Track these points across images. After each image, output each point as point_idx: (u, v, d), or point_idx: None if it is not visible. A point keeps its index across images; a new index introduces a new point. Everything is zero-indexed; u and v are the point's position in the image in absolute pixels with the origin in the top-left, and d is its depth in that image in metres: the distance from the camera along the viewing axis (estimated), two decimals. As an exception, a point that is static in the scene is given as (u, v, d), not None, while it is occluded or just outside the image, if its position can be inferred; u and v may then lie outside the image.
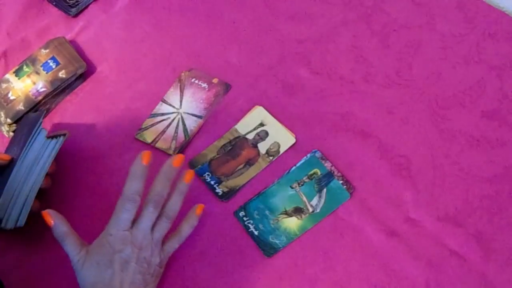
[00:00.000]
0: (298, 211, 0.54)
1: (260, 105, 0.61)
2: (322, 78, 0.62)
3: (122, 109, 0.64)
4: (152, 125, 0.62)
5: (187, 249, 0.54)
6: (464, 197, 0.53)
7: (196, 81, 0.64)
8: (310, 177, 0.56)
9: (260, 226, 0.54)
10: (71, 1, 0.72)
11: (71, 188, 0.59)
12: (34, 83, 0.65)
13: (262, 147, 0.58)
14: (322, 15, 0.66)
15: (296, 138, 0.58)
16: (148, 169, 0.49)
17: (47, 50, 0.67)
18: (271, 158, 0.57)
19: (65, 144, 0.58)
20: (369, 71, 0.61)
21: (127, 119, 0.63)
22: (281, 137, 0.58)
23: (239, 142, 0.59)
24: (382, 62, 0.62)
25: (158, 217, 0.50)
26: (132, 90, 0.65)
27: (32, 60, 0.66)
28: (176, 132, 0.61)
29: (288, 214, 0.54)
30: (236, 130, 0.60)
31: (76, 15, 0.72)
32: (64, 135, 0.57)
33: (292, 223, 0.54)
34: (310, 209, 0.54)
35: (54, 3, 0.72)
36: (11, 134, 0.63)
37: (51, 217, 0.49)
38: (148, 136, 0.61)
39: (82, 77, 0.67)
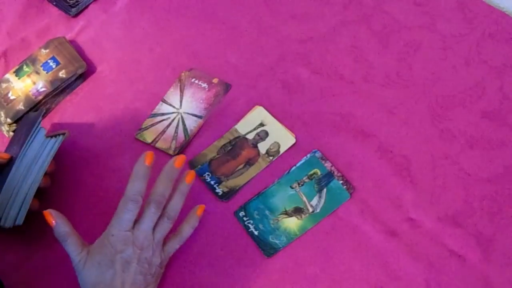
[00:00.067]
0: (298, 211, 0.54)
1: (260, 105, 0.61)
2: (322, 78, 0.62)
3: (122, 109, 0.64)
4: (152, 125, 0.62)
5: (187, 249, 0.54)
6: (464, 197, 0.53)
7: (196, 81, 0.64)
8: (310, 177, 0.56)
9: (260, 226, 0.54)
10: (71, 1, 0.72)
11: (71, 188, 0.59)
12: (34, 83, 0.65)
13: (262, 147, 0.58)
14: (322, 15, 0.66)
15: (296, 138, 0.58)
16: (150, 170, 0.49)
17: (47, 50, 0.67)
18: (271, 158, 0.58)
19: (65, 143, 0.58)
20: (369, 71, 0.61)
21: (127, 119, 0.63)
22: (281, 137, 0.58)
23: (239, 142, 0.59)
24: (382, 62, 0.62)
25: (159, 218, 0.50)
26: (132, 90, 0.65)
27: (32, 60, 0.66)
28: (176, 132, 0.61)
29: (288, 214, 0.54)
30: (236, 130, 0.60)
31: (76, 15, 0.72)
32: (64, 134, 0.57)
33: (292, 223, 0.54)
34: (310, 209, 0.54)
35: (54, 3, 0.72)
36: (11, 134, 0.63)
37: (53, 217, 0.49)
38: (148, 136, 0.61)
39: (82, 77, 0.67)
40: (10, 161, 0.54)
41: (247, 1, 0.69)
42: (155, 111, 0.63)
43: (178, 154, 0.59)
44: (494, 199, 0.52)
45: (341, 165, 0.56)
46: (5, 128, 0.64)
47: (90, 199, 0.58)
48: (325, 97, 0.60)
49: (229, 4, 0.69)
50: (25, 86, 0.65)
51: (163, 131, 0.61)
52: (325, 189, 0.55)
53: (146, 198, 0.49)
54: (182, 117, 0.62)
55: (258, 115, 0.60)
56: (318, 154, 0.57)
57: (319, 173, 0.56)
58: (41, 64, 0.66)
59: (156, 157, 0.49)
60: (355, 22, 0.65)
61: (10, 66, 0.69)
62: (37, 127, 0.56)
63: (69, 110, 0.65)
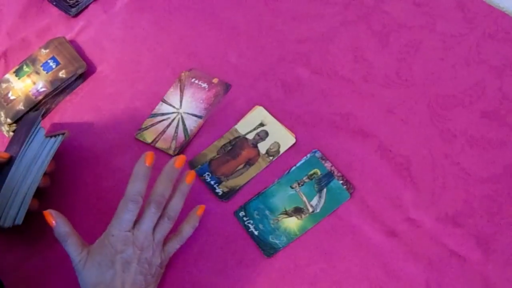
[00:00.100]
0: (298, 211, 0.54)
1: (260, 105, 0.61)
2: (322, 78, 0.62)
3: (122, 109, 0.64)
4: (152, 125, 0.62)
5: (187, 249, 0.54)
6: (464, 197, 0.53)
7: (196, 81, 0.64)
8: (310, 177, 0.56)
9: (260, 226, 0.54)
10: (71, 1, 0.72)
11: (71, 188, 0.59)
12: (34, 83, 0.65)
13: (262, 147, 0.58)
14: (322, 15, 0.66)
15: (296, 138, 0.58)
16: (151, 170, 0.49)
17: (47, 50, 0.67)
18: (271, 158, 0.58)
19: (65, 143, 0.58)
20: (369, 71, 0.61)
21: (127, 119, 0.63)
22: (281, 137, 0.58)
23: (239, 142, 0.59)
24: (382, 62, 0.62)
25: (160, 218, 0.50)
26: (132, 90, 0.65)
27: (32, 60, 0.66)
28: (176, 132, 0.61)
29: (288, 214, 0.54)
30: (236, 130, 0.60)
31: (76, 15, 0.72)
32: (63, 134, 0.57)
33: (292, 223, 0.54)
34: (310, 209, 0.54)
35: (54, 3, 0.72)
36: (11, 134, 0.63)
37: (53, 217, 0.49)
38: (148, 136, 0.61)
39: (82, 77, 0.67)
40: (10, 161, 0.54)
41: (247, 1, 0.69)
42: (155, 111, 0.63)
43: (178, 154, 0.59)
44: (494, 199, 0.52)
45: (341, 165, 0.56)
46: (5, 128, 0.64)
47: (90, 199, 0.58)
48: (325, 97, 0.60)
49: (229, 4, 0.69)
50: (25, 86, 0.65)
51: (163, 131, 0.61)
52: (325, 189, 0.55)
53: (146, 198, 0.49)
54: (182, 117, 0.62)
55: (258, 115, 0.60)
56: (318, 154, 0.57)
57: (319, 173, 0.56)
58: (41, 64, 0.66)
59: (156, 157, 0.49)
60: (355, 22, 0.65)
61: (10, 66, 0.69)
62: (37, 127, 0.56)
63: (69, 110, 0.65)
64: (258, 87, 0.62)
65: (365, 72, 0.61)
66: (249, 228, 0.54)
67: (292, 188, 0.55)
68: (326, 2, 0.67)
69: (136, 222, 0.49)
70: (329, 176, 0.55)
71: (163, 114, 0.62)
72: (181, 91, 0.64)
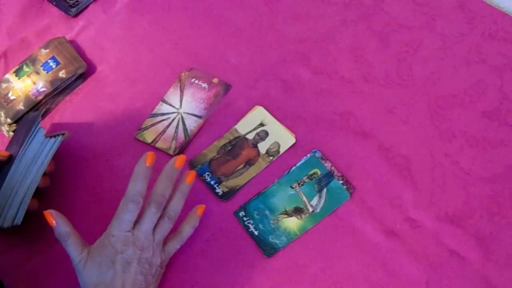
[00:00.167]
0: (298, 211, 0.54)
1: (260, 105, 0.61)
2: (322, 78, 0.62)
3: (122, 109, 0.64)
4: (152, 125, 0.62)
5: (187, 249, 0.54)
6: (464, 197, 0.53)
7: (196, 81, 0.64)
8: (310, 177, 0.56)
9: (260, 226, 0.54)
10: (71, 1, 0.72)
11: (71, 188, 0.59)
12: (34, 83, 0.65)
13: (262, 147, 0.58)
14: (322, 15, 0.66)
15: (296, 138, 0.58)
16: (151, 170, 0.49)
17: (47, 50, 0.67)
18: (271, 158, 0.58)
19: (65, 144, 0.58)
20: (369, 71, 0.61)
21: (127, 119, 0.63)
22: (281, 137, 0.58)
23: (239, 142, 0.59)
24: (382, 62, 0.62)
25: (160, 218, 0.50)
26: (132, 90, 0.65)
27: (32, 60, 0.66)
28: (176, 132, 0.61)
29: (288, 214, 0.54)
30: (236, 130, 0.60)
31: (76, 15, 0.72)
32: (63, 134, 0.57)
33: (292, 223, 0.54)
34: (310, 209, 0.54)
35: (54, 3, 0.72)
36: (11, 134, 0.63)
37: (53, 217, 0.49)
38: (148, 136, 0.61)
39: (82, 77, 0.67)
40: (10, 160, 0.54)
41: (247, 1, 0.69)
42: (155, 111, 0.63)
43: (178, 154, 0.59)
44: (494, 199, 0.52)
45: (341, 165, 0.56)
46: (5, 128, 0.64)
47: (90, 199, 0.58)
48: (325, 97, 0.60)
49: (229, 4, 0.69)
50: (25, 86, 0.65)
51: (163, 131, 0.61)
52: (325, 189, 0.55)
53: (146, 198, 0.49)
54: (182, 117, 0.62)
55: (258, 115, 0.60)
56: (318, 154, 0.57)
57: (319, 173, 0.56)
58: (41, 64, 0.66)
59: (156, 157, 0.49)
60: (355, 22, 0.65)
61: (10, 66, 0.69)
62: (37, 127, 0.56)
63: (69, 110, 0.65)
64: (258, 87, 0.62)
65: (365, 72, 0.61)
66: (249, 228, 0.54)
67: (292, 188, 0.55)
68: (326, 2, 0.67)
69: (136, 222, 0.49)
70: (329, 176, 0.55)
71: (163, 114, 0.62)
72: (181, 91, 0.64)
